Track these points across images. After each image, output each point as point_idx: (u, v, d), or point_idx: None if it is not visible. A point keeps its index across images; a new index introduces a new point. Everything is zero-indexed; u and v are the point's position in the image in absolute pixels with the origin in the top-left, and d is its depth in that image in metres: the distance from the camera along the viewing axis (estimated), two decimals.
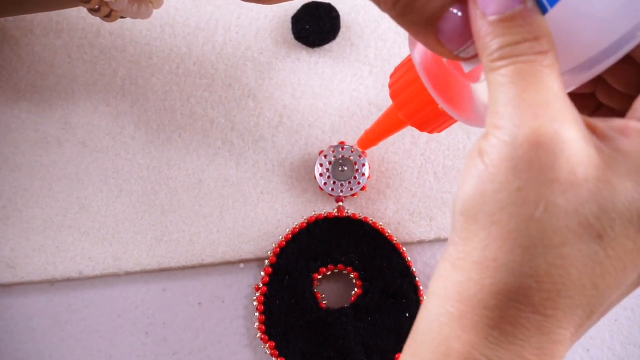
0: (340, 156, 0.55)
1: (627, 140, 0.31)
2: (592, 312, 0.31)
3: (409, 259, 0.53)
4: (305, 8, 0.58)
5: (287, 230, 0.55)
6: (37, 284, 0.56)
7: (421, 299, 0.53)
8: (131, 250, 0.56)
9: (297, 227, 0.54)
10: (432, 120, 0.44)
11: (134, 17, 0.49)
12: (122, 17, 0.49)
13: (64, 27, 0.58)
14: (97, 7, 0.47)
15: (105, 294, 0.56)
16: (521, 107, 0.30)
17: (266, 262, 0.54)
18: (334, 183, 0.55)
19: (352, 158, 0.55)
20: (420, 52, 0.39)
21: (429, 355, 0.32)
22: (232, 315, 0.56)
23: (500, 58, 0.31)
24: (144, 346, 0.55)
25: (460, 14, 0.33)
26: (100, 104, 0.57)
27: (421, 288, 0.53)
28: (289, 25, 0.58)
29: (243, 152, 0.56)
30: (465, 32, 0.33)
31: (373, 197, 0.56)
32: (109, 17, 0.48)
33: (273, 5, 0.58)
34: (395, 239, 0.54)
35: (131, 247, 0.56)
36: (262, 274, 0.54)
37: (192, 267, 0.56)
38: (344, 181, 0.55)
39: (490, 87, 0.32)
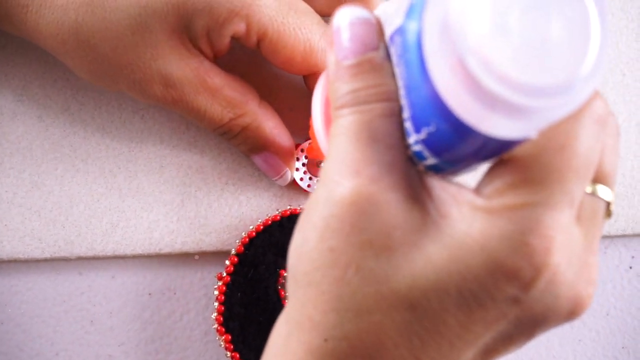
0: None
1: (456, 208, 0.29)
2: None
3: None
4: None
5: (254, 223, 0.52)
6: None
7: None
8: (84, 233, 0.53)
9: (270, 219, 0.52)
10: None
11: None
12: None
13: None
14: None
15: (50, 277, 0.53)
16: (345, 162, 0.29)
17: (232, 250, 0.51)
18: (310, 179, 0.53)
19: None
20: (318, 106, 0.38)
21: None
22: (183, 308, 0.54)
23: (342, 106, 0.30)
24: (88, 335, 0.53)
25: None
26: (60, 78, 0.54)
27: None
28: None
29: (208, 138, 0.54)
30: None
31: None
32: None
33: None
34: None
35: (85, 230, 0.53)
36: (227, 262, 0.51)
37: (146, 256, 0.53)
38: None
39: (330, 137, 0.31)
